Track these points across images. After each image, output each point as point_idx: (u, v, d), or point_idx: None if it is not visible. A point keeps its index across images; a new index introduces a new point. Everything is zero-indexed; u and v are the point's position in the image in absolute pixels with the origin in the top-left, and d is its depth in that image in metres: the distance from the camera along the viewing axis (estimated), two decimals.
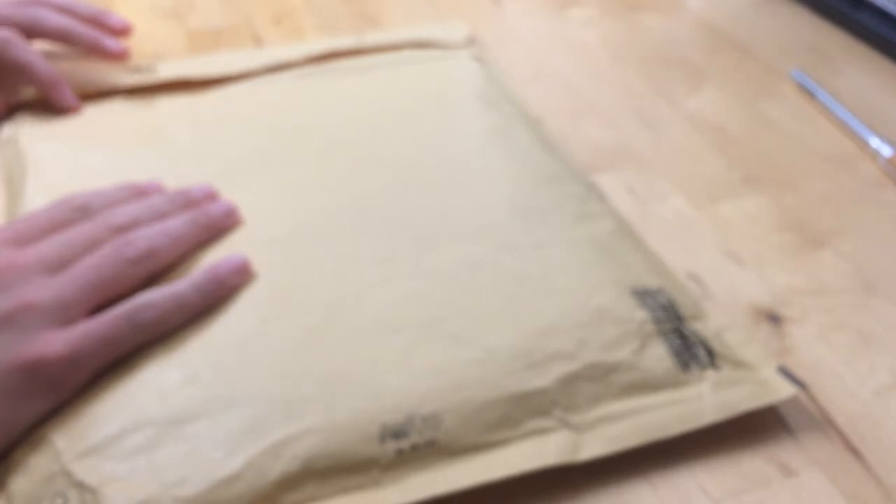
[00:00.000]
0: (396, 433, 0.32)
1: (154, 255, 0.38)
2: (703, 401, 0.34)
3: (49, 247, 0.36)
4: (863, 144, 0.52)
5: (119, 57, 0.57)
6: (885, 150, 0.50)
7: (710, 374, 0.35)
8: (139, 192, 0.42)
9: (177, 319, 0.36)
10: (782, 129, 0.54)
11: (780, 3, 0.69)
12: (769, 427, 0.35)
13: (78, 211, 0.39)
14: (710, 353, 0.36)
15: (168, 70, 0.55)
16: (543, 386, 0.34)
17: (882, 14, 0.61)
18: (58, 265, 0.36)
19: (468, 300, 0.37)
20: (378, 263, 0.39)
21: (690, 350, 0.36)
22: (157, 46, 0.60)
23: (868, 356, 0.38)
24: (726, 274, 0.42)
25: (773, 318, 0.40)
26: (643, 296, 0.38)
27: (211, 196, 0.42)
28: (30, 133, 0.49)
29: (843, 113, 0.54)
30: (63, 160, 0.47)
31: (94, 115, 0.51)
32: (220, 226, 0.41)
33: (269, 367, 0.34)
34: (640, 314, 0.37)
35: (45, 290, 0.34)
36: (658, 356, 0.36)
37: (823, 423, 0.35)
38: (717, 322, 0.38)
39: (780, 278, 0.42)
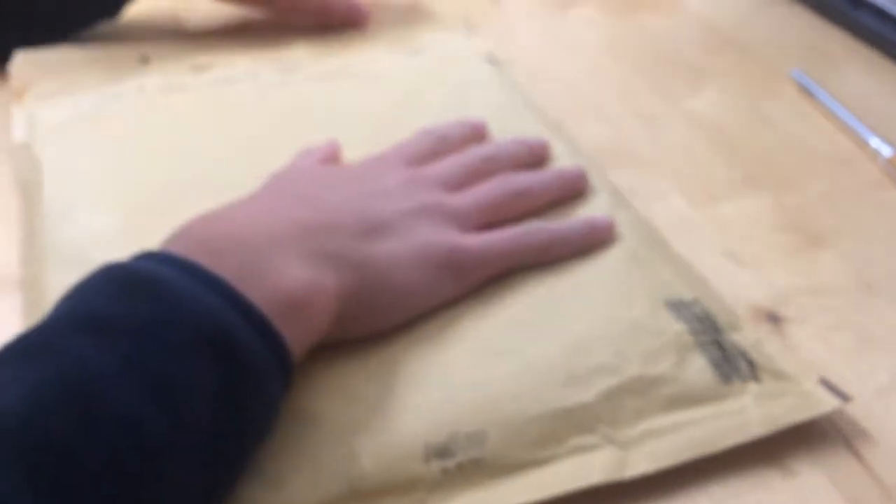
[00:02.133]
0: (441, 452, 0.32)
1: (530, 195, 0.42)
2: (748, 414, 0.34)
3: (444, 168, 0.42)
4: (863, 144, 0.52)
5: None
6: (885, 150, 0.50)
7: (752, 386, 0.35)
8: (474, 129, 0.47)
9: (557, 251, 0.40)
10: (782, 129, 0.54)
11: (780, 3, 0.69)
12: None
13: (441, 141, 0.45)
14: (751, 365, 0.36)
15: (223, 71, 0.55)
16: (586, 401, 0.33)
17: (882, 14, 0.61)
18: (454, 185, 0.41)
19: (501, 312, 0.37)
20: None
21: (731, 362, 0.36)
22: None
23: (868, 356, 0.38)
24: (726, 274, 0.42)
25: (773, 318, 0.40)
26: (678, 308, 0.37)
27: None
28: (43, 138, 0.49)
29: (843, 113, 0.54)
30: (78, 164, 0.46)
31: (107, 114, 0.51)
32: (577, 187, 0.44)
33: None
34: (677, 326, 0.36)
35: (449, 199, 0.40)
36: (698, 368, 0.35)
37: (823, 423, 0.35)
38: (754, 332, 0.37)
39: (780, 278, 0.42)
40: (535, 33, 0.64)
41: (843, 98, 0.55)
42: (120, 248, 0.39)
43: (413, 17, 0.65)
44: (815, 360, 0.38)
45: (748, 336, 0.37)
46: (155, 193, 0.44)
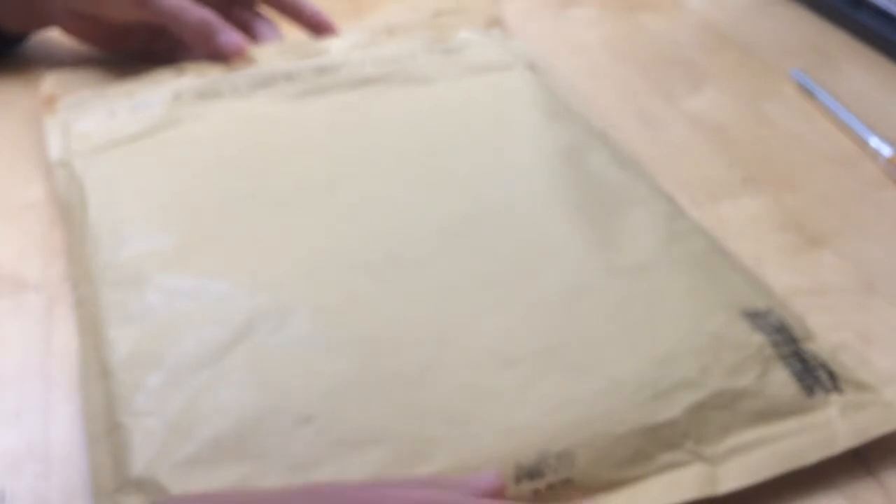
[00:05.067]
0: (531, 473, 0.31)
1: None
2: (834, 426, 0.33)
3: None
4: (863, 144, 0.52)
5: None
6: (885, 150, 0.50)
7: (835, 398, 0.34)
8: None
9: None
10: (782, 129, 0.54)
11: (781, 3, 0.69)
12: None
13: None
14: (832, 376, 0.35)
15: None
16: (673, 417, 0.33)
17: (882, 14, 0.61)
18: None
19: (579, 327, 0.36)
20: (478, 290, 0.38)
21: (812, 374, 0.35)
22: None
23: (868, 356, 0.38)
24: None
25: None
26: (755, 318, 0.37)
27: None
28: (82, 154, 0.47)
29: (843, 113, 0.54)
30: (124, 182, 0.45)
31: (147, 126, 0.49)
32: None
33: (387, 407, 0.33)
34: (757, 338, 0.36)
35: None
36: (782, 381, 0.34)
37: None
38: (828, 342, 0.37)
39: (780, 278, 0.42)
40: (536, 33, 0.64)
41: (843, 98, 0.55)
42: (176, 266, 0.39)
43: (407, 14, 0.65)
44: None
45: (823, 346, 0.36)
46: (206, 210, 0.43)
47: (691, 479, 0.32)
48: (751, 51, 0.62)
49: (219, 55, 0.54)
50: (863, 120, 0.53)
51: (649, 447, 0.32)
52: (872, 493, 0.33)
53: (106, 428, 0.33)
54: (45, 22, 0.58)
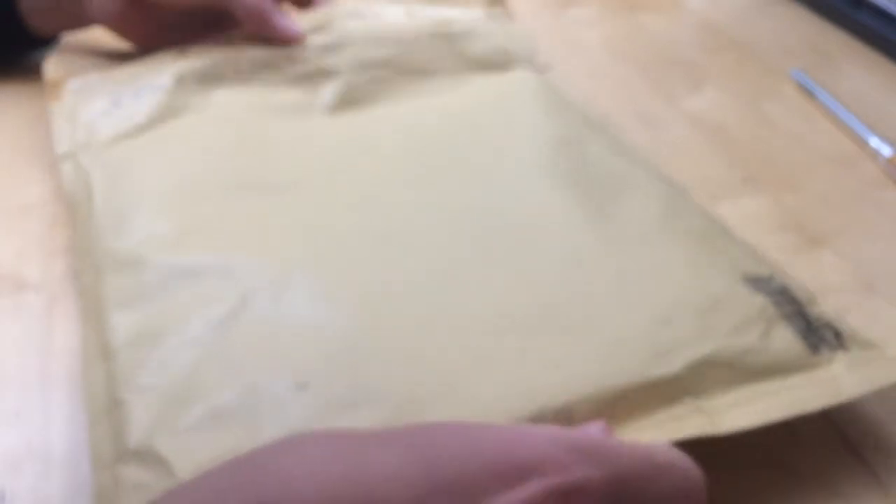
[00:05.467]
0: None
1: None
2: (840, 379, 0.33)
3: None
4: (863, 144, 0.52)
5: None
6: (885, 150, 0.50)
7: (841, 355, 0.34)
8: None
9: None
10: (782, 129, 0.54)
11: (780, 3, 0.69)
12: (769, 427, 0.35)
13: None
14: (837, 335, 0.35)
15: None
16: (673, 372, 0.33)
17: (882, 14, 0.61)
18: None
19: (577, 291, 0.36)
20: (476, 260, 0.38)
21: (817, 333, 0.35)
22: None
23: None
24: None
25: None
26: (756, 283, 0.37)
27: None
28: (88, 147, 0.47)
29: (843, 113, 0.54)
30: (130, 173, 0.45)
31: (151, 114, 0.49)
32: None
33: (382, 370, 0.33)
34: (759, 299, 0.36)
35: None
36: (786, 339, 0.34)
37: (824, 423, 0.35)
38: (831, 308, 0.37)
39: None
40: (535, 33, 0.64)
41: (843, 98, 0.55)
42: (175, 248, 0.39)
43: None
44: None
45: (827, 309, 0.36)
46: (208, 197, 0.43)
47: (690, 425, 0.32)
48: (751, 51, 0.62)
49: (276, 40, 0.53)
50: (863, 120, 0.53)
51: (648, 401, 0.32)
52: (872, 493, 0.33)
53: (106, 406, 0.33)
54: (79, 23, 0.57)
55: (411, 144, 0.47)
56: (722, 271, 0.37)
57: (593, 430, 0.29)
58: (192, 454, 0.30)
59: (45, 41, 0.59)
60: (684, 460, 0.27)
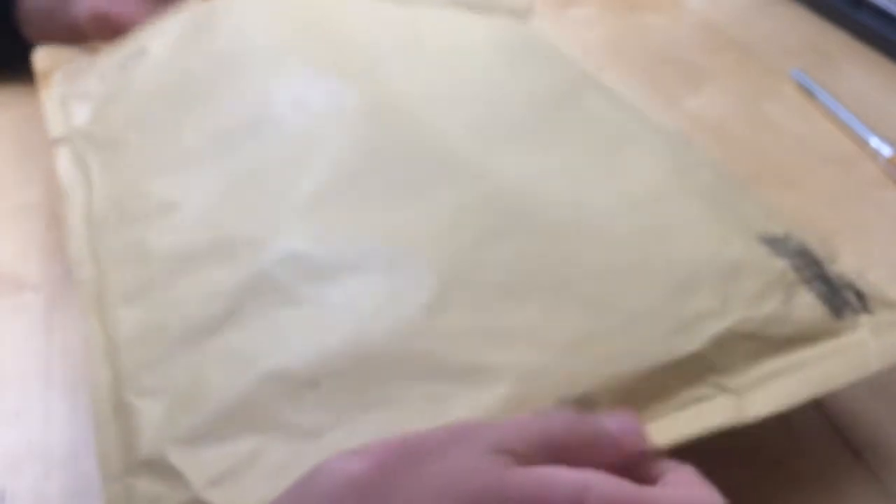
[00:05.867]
0: None
1: None
2: (867, 347, 0.32)
3: None
4: (863, 144, 0.52)
5: None
6: (885, 150, 0.50)
7: (865, 318, 0.33)
8: None
9: None
10: (782, 129, 0.54)
11: (780, 3, 0.69)
12: (769, 427, 0.35)
13: None
14: (860, 297, 0.33)
15: None
16: (695, 350, 0.31)
17: (882, 14, 0.61)
18: None
19: (592, 259, 0.34)
20: (481, 223, 0.35)
21: (839, 295, 0.33)
22: None
23: None
24: None
25: None
26: (773, 243, 0.35)
27: None
28: (81, 130, 0.46)
29: (843, 113, 0.54)
30: (125, 157, 0.43)
31: (139, 87, 0.47)
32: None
33: (392, 366, 0.31)
34: (778, 263, 0.34)
35: None
36: (808, 305, 0.33)
37: (823, 423, 0.35)
38: (852, 263, 0.35)
39: None
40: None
41: (843, 98, 0.55)
42: (177, 235, 0.37)
43: None
44: None
45: (848, 265, 0.35)
46: (210, 175, 0.40)
47: (717, 410, 0.30)
48: (751, 51, 0.62)
49: None
50: (863, 120, 0.53)
51: (672, 383, 0.31)
52: (872, 493, 0.33)
53: (113, 408, 0.32)
54: (72, 34, 0.57)
55: (409, 94, 0.44)
56: (738, 232, 0.35)
57: (618, 421, 0.28)
58: (203, 461, 0.30)
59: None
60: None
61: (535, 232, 0.35)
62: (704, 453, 0.34)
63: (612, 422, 0.28)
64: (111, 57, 0.51)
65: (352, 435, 0.29)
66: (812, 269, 0.34)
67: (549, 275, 0.33)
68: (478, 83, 0.46)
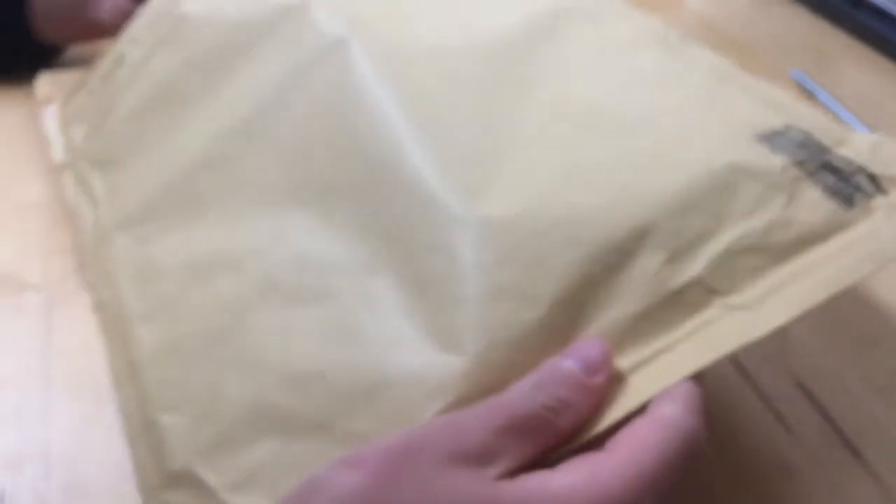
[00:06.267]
0: None
1: None
2: (882, 234, 0.29)
3: None
4: None
5: None
6: None
7: (880, 200, 0.30)
8: None
9: None
10: None
11: (780, 3, 0.69)
12: (769, 427, 0.35)
13: None
14: (873, 178, 0.31)
15: None
16: (695, 276, 0.29)
17: (882, 14, 0.61)
18: None
19: (578, 185, 0.31)
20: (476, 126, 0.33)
21: (849, 182, 0.31)
22: None
23: (868, 356, 0.38)
24: None
25: None
26: (773, 139, 0.32)
27: None
28: (83, 152, 0.46)
29: (843, 113, 0.54)
30: (135, 196, 0.43)
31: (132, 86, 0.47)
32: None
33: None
34: (778, 160, 0.31)
35: None
36: (813, 202, 0.30)
37: (823, 423, 0.35)
38: (865, 140, 0.32)
39: None
40: None
41: (843, 98, 0.55)
42: (186, 248, 0.38)
43: None
44: (815, 359, 0.38)
45: (860, 146, 0.32)
46: (206, 182, 0.40)
47: (728, 330, 0.28)
48: (750, 51, 0.62)
49: None
50: (863, 120, 0.53)
51: (674, 316, 0.28)
52: (872, 493, 0.33)
53: (142, 426, 0.33)
54: (90, 31, 0.57)
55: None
56: (733, 133, 0.32)
57: (580, 354, 0.27)
58: (229, 469, 0.30)
59: (56, 51, 0.59)
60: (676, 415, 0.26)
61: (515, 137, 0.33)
62: (704, 453, 0.34)
63: (575, 360, 0.27)
64: (97, 70, 0.51)
65: (363, 421, 0.29)
66: (817, 160, 0.31)
67: (535, 198, 0.31)
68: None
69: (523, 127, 0.33)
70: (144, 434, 0.33)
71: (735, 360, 0.38)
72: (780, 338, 0.39)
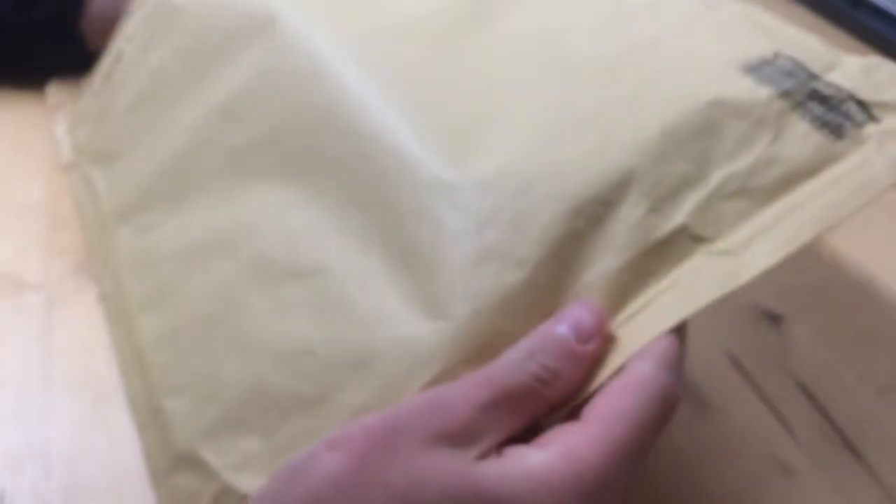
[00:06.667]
0: None
1: None
2: (873, 164, 0.28)
3: None
4: None
5: None
6: None
7: (871, 128, 0.29)
8: None
9: None
10: None
11: (780, 2, 0.68)
12: (769, 427, 0.35)
13: None
14: (863, 105, 0.29)
15: None
16: (678, 224, 0.27)
17: (882, 14, 0.61)
18: None
19: (557, 136, 0.29)
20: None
21: (838, 111, 0.29)
22: None
23: (868, 356, 0.38)
24: None
25: (773, 318, 0.40)
26: (759, 69, 0.30)
27: None
28: (86, 151, 0.47)
29: None
30: (132, 187, 0.43)
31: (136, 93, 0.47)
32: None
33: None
34: (763, 93, 0.29)
35: None
36: (800, 135, 0.29)
37: (823, 423, 0.35)
38: (857, 64, 0.31)
39: (780, 278, 0.42)
40: None
41: None
42: (183, 235, 0.38)
43: None
44: (815, 359, 0.38)
45: (852, 70, 0.31)
46: (201, 171, 0.40)
47: (714, 276, 0.27)
48: None
49: None
50: None
51: (658, 268, 0.27)
52: (872, 493, 0.33)
53: (149, 412, 0.33)
54: None
55: None
56: (716, 66, 0.31)
57: (573, 318, 0.26)
58: (229, 451, 0.30)
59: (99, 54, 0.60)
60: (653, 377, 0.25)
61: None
62: (704, 453, 0.34)
63: (568, 325, 0.26)
64: (99, 71, 0.51)
65: (356, 394, 0.29)
66: (804, 89, 0.30)
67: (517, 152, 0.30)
68: None
69: (497, 77, 0.32)
70: (152, 421, 0.33)
71: (735, 360, 0.38)
72: (780, 338, 0.39)
